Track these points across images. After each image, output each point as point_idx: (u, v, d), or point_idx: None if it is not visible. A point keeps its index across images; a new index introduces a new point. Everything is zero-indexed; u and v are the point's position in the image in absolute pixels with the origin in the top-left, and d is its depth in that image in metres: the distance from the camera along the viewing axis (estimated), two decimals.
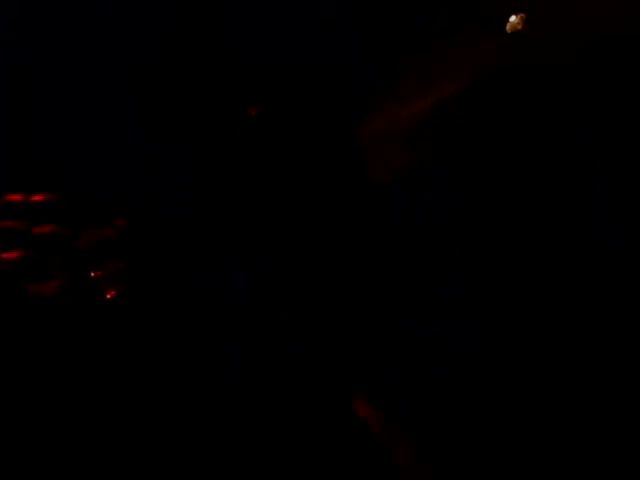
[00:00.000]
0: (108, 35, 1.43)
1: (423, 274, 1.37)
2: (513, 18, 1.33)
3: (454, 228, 1.38)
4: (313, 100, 1.46)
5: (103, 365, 1.15)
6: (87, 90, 1.43)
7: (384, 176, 1.44)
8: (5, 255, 1.02)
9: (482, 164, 1.39)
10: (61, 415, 1.11)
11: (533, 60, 1.36)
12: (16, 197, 1.09)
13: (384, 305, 1.35)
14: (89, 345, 1.12)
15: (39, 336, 1.06)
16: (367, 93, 1.46)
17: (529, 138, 1.38)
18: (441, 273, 1.37)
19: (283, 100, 1.46)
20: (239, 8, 1.45)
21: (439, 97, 1.41)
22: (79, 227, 1.10)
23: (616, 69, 1.33)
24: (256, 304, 1.32)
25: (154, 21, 1.43)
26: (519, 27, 1.32)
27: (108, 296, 1.05)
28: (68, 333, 1.08)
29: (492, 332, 1.32)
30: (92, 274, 1.06)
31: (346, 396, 1.28)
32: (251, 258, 1.36)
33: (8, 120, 1.41)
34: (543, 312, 1.32)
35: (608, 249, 1.33)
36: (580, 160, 1.36)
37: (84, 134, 1.41)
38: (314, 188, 1.42)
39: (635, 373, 1.25)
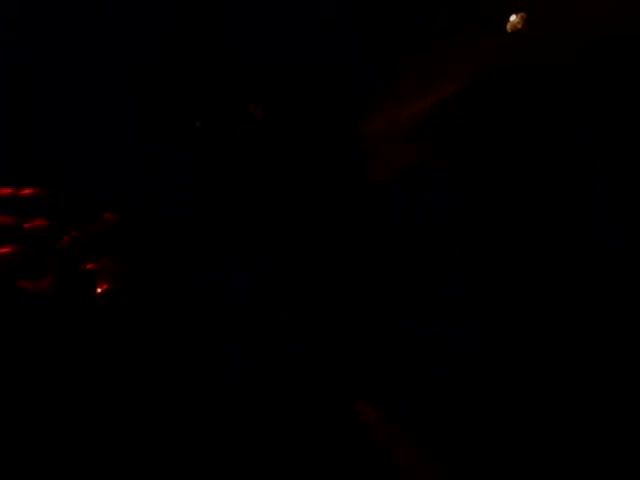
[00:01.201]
0: (108, 35, 1.43)
1: (423, 274, 1.37)
2: (513, 17, 1.33)
3: (454, 228, 1.38)
4: (313, 100, 1.46)
5: (101, 363, 1.15)
6: (87, 90, 1.42)
7: (384, 176, 1.44)
8: None
9: (482, 164, 1.39)
10: (57, 413, 1.11)
11: (533, 60, 1.36)
12: (5, 191, 1.08)
13: (384, 305, 1.35)
14: (85, 342, 1.12)
15: (32, 331, 1.06)
16: (367, 93, 1.46)
17: (529, 138, 1.38)
18: (441, 273, 1.37)
19: (283, 100, 1.46)
20: (239, 8, 1.45)
21: (439, 97, 1.42)
22: (71, 222, 1.10)
23: (616, 69, 1.33)
24: (256, 304, 1.32)
25: (154, 21, 1.43)
26: (519, 26, 1.32)
27: (99, 290, 1.05)
28: (61, 329, 1.08)
29: (492, 332, 1.32)
30: (84, 269, 1.05)
31: (346, 396, 1.28)
32: (251, 258, 1.36)
33: (8, 119, 1.41)
34: (542, 311, 1.32)
35: (608, 249, 1.33)
36: (580, 160, 1.36)
37: (84, 133, 1.40)
38: (314, 187, 1.42)
39: (635, 372, 1.25)
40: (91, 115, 1.41)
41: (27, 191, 1.09)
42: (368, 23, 1.45)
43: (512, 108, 1.38)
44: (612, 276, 1.31)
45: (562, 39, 1.34)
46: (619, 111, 1.34)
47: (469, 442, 1.25)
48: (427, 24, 1.42)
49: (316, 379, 1.27)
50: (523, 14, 1.32)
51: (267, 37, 1.45)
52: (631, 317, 1.29)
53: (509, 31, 1.33)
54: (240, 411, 1.23)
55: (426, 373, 1.30)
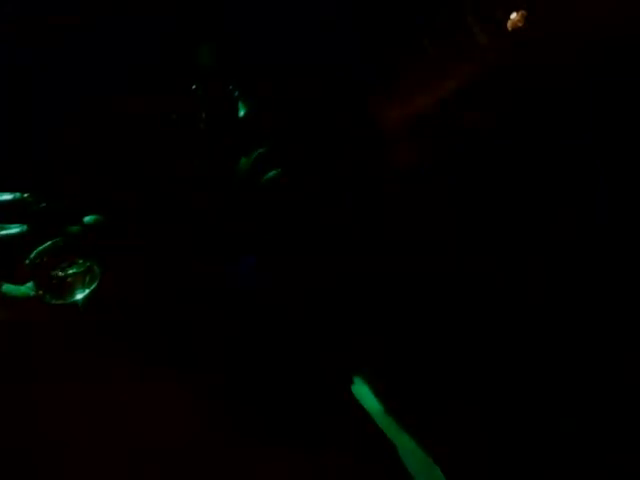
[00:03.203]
0: (108, 35, 1.43)
1: (423, 274, 1.37)
2: (514, 15, 1.33)
3: (454, 228, 1.38)
4: (313, 100, 1.46)
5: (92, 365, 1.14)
6: (87, 90, 1.43)
7: (384, 176, 1.44)
8: None
9: (482, 164, 1.40)
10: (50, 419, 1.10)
11: (533, 60, 1.36)
12: None
13: (386, 300, 1.35)
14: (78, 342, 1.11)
15: (16, 337, 1.05)
16: (367, 93, 1.47)
17: (529, 138, 1.38)
18: (442, 273, 1.37)
19: (283, 100, 1.46)
20: (239, 8, 1.46)
21: (439, 97, 1.42)
22: (52, 227, 1.08)
23: (616, 69, 1.34)
24: (258, 299, 1.31)
25: (154, 21, 1.44)
26: (520, 24, 1.33)
27: (80, 296, 1.04)
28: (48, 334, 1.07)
29: (492, 333, 1.32)
30: (65, 275, 1.04)
31: (346, 393, 1.27)
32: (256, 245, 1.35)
33: (8, 120, 1.41)
34: (543, 311, 1.32)
35: (607, 249, 1.34)
36: (580, 160, 1.36)
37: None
38: (314, 188, 1.42)
39: (634, 371, 1.25)
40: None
41: (5, 196, 1.08)
42: (368, 23, 1.45)
43: (512, 108, 1.39)
44: (612, 275, 1.32)
45: (562, 39, 1.34)
46: (619, 111, 1.35)
47: (469, 442, 1.24)
48: (427, 24, 1.42)
49: (316, 375, 1.27)
50: (524, 12, 1.32)
51: (267, 37, 1.45)
52: (630, 317, 1.29)
53: (510, 29, 1.34)
54: (240, 410, 1.22)
55: (426, 371, 1.29)
